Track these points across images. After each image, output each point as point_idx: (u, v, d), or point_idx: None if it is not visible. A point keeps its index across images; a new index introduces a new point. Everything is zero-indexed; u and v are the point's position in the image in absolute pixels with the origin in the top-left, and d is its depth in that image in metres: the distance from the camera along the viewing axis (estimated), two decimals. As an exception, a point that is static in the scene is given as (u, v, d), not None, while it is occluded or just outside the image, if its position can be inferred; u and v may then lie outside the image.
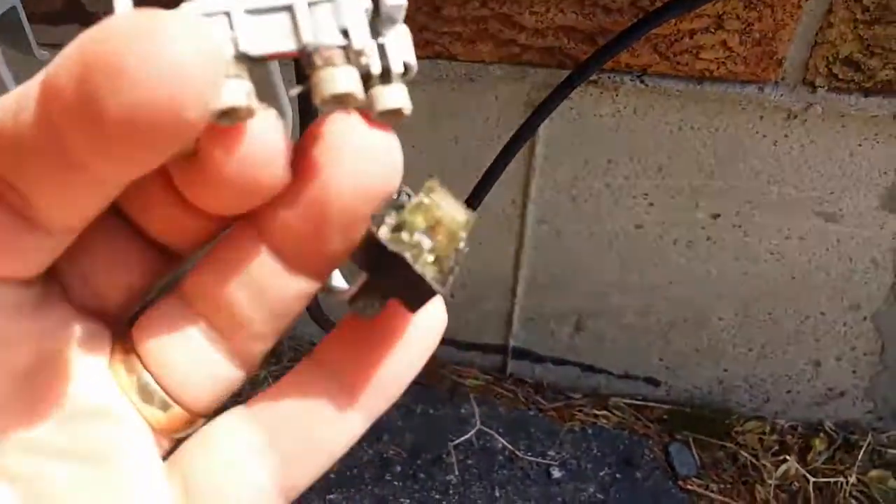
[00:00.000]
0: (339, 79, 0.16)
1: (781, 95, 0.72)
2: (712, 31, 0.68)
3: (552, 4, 0.68)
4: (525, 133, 0.73)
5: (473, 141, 0.83)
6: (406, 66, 0.18)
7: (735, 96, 0.73)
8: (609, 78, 0.73)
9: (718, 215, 0.84)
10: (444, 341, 1.07)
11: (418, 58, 0.67)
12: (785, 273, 0.88)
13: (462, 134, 0.82)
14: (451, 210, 0.18)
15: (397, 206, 0.18)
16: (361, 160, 0.17)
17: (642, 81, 0.73)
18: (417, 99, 0.78)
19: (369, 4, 0.17)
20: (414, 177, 0.77)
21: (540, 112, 0.72)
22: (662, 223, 0.86)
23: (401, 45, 0.18)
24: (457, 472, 0.99)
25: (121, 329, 0.19)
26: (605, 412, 1.06)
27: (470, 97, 0.79)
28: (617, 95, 0.75)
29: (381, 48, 0.17)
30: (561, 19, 0.69)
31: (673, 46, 0.69)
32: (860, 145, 0.75)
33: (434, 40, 0.72)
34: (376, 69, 0.17)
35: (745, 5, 0.66)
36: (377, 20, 0.17)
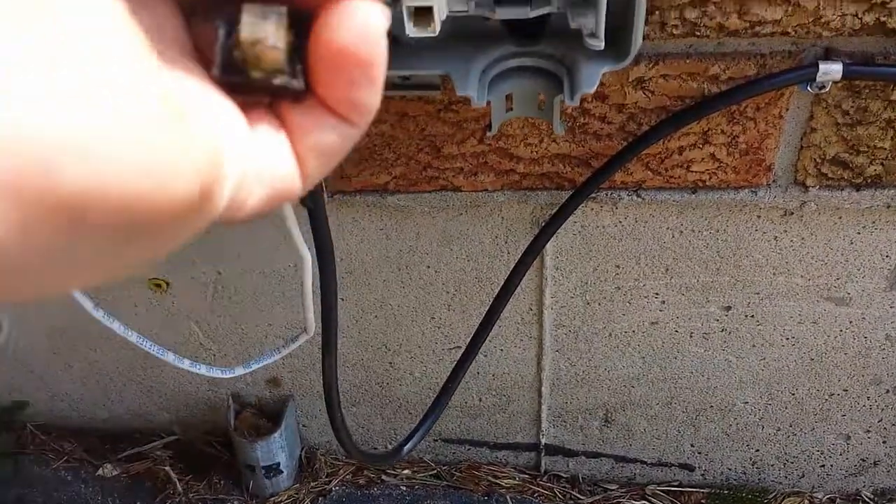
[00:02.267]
0: None
1: (775, 197, 0.75)
2: (700, 146, 0.71)
3: (545, 135, 0.72)
4: (532, 252, 0.76)
5: (485, 258, 0.86)
6: None
7: (730, 201, 0.76)
8: (607, 195, 0.77)
9: (730, 307, 0.86)
10: (477, 443, 1.09)
11: (426, 192, 0.71)
12: (803, 356, 0.90)
13: (473, 252, 0.86)
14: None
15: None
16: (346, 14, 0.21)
17: (638, 195, 0.76)
18: (428, 225, 0.82)
19: None
20: (432, 297, 0.81)
21: (544, 233, 0.75)
22: (676, 319, 0.88)
23: None
24: (501, 576, 1.00)
25: None
26: (643, 501, 1.07)
27: (478, 220, 0.82)
28: (616, 209, 0.78)
29: None
30: (555, 148, 0.73)
31: (664, 163, 0.73)
32: (859, 233, 0.78)
33: (438, 176, 0.76)
34: None
35: (728, 120, 0.69)
36: None
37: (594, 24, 0.53)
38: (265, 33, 0.21)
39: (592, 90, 0.57)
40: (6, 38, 0.15)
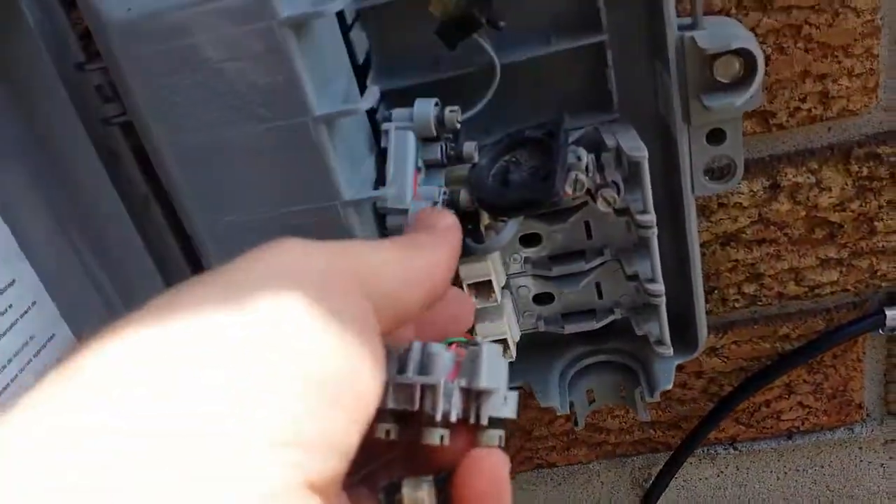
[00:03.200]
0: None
1: (872, 430, 0.74)
2: (786, 397, 0.72)
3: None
4: (639, 521, 0.76)
5: (592, 521, 0.86)
6: (493, 421, 0.28)
7: (828, 441, 0.75)
8: (703, 451, 0.77)
9: (853, 538, 0.84)
10: None
11: (521, 472, 0.72)
12: (943, 576, 0.86)
13: (579, 517, 0.86)
14: None
15: None
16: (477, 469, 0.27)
17: (735, 448, 0.77)
18: (529, 499, 0.83)
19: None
20: None
21: (647, 502, 0.75)
22: (799, 556, 0.86)
23: (495, 405, 0.28)
24: None
25: None
26: None
27: (577, 488, 0.83)
28: (715, 461, 0.79)
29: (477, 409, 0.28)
30: (642, 417, 0.75)
31: (753, 416, 0.73)
32: (969, 450, 0.76)
33: (532, 456, 0.78)
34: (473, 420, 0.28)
35: (808, 371, 0.70)
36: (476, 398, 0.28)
37: (659, 332, 0.56)
38: (422, 498, 0.27)
39: (670, 386, 0.59)
40: None
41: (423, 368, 0.28)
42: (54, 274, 0.53)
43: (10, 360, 0.50)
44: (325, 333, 0.21)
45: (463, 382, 0.28)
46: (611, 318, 0.59)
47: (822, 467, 0.79)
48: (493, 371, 0.28)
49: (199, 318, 0.20)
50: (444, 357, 0.28)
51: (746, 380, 0.70)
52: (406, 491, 0.27)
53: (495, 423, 0.28)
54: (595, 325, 0.59)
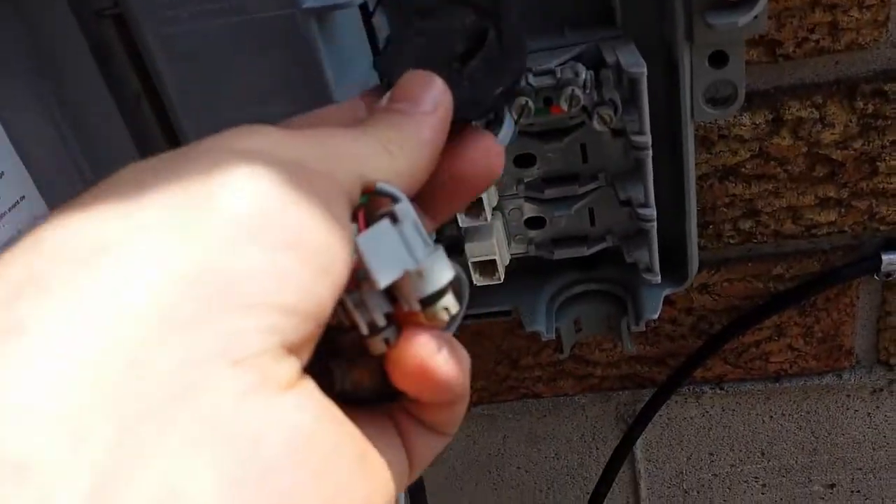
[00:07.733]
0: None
1: (860, 377, 0.74)
2: (775, 338, 0.72)
3: (618, 340, 0.74)
4: (620, 457, 0.77)
5: (574, 455, 0.86)
6: (427, 299, 0.24)
7: (816, 386, 0.75)
8: (689, 389, 0.77)
9: (833, 485, 0.84)
10: None
11: (505, 402, 0.72)
12: (921, 527, 0.86)
13: (562, 451, 0.86)
14: None
15: None
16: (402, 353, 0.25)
17: (721, 388, 0.77)
18: (514, 428, 0.84)
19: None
20: (525, 496, 0.81)
21: (629, 437, 0.76)
22: (780, 500, 0.86)
23: (414, 286, 0.24)
24: None
25: None
26: None
27: (562, 420, 0.83)
28: (701, 401, 0.79)
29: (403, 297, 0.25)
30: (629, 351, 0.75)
31: (742, 357, 0.73)
32: (956, 403, 0.76)
33: (518, 385, 0.78)
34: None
35: (799, 313, 0.70)
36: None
37: (648, 260, 0.56)
38: (359, 379, 0.26)
39: (656, 315, 0.59)
40: None
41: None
42: (44, 169, 0.52)
43: (-5, 251, 0.49)
44: (295, 204, 0.21)
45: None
46: (602, 245, 0.59)
47: (809, 413, 0.79)
48: (384, 258, 0.23)
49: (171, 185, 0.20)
50: None
51: (736, 319, 0.69)
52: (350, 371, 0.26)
53: (431, 299, 0.24)
54: (586, 251, 0.59)
